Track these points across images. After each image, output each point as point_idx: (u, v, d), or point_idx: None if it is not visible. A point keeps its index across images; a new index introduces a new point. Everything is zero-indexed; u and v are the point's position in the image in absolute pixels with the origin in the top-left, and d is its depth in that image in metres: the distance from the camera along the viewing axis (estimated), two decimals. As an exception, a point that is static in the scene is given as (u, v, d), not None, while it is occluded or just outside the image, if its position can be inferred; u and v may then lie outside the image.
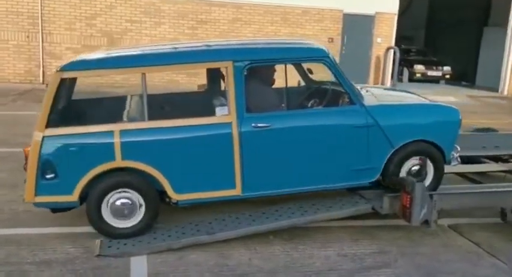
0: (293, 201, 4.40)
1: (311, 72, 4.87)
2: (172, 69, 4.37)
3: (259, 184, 4.07)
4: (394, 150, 4.26)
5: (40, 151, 3.71)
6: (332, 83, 4.34)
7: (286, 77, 4.75)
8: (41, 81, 11.99)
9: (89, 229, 4.02)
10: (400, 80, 16.51)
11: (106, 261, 3.66)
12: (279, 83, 4.68)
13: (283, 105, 4.42)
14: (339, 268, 3.71)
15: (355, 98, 4.20)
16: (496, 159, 5.76)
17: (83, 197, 3.88)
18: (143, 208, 3.94)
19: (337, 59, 13.98)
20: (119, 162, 3.79)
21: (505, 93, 15.65)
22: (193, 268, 3.64)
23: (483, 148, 5.79)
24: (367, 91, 4.75)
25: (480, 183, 5.08)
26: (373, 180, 4.32)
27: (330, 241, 4.14)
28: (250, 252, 3.90)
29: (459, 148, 4.66)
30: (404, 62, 17.41)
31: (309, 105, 4.58)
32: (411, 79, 17.65)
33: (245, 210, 4.30)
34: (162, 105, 4.57)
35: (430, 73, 17.94)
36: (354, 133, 4.16)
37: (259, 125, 3.96)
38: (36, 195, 3.78)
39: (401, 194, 4.04)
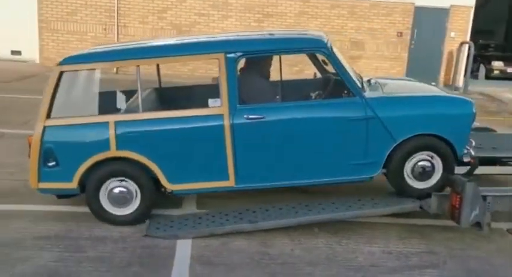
0: (336, 195, 4.37)
1: (326, 64, 4.70)
2: (164, 61, 4.36)
3: (253, 177, 4.07)
4: (396, 144, 4.08)
5: (42, 140, 3.95)
6: (334, 75, 4.25)
7: (280, 68, 4.68)
8: (115, 71, 12.60)
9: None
10: (476, 77, 15.66)
11: (155, 242, 3.87)
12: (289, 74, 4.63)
13: (277, 97, 4.37)
14: (382, 265, 3.67)
15: (354, 90, 4.08)
16: None
17: (84, 186, 4.08)
18: (139, 197, 4.08)
19: (405, 54, 13.73)
20: (113, 151, 3.95)
21: None
22: (235, 254, 3.75)
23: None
24: (376, 83, 4.58)
25: None
26: (374, 175, 4.17)
27: (375, 238, 4.09)
28: (293, 243, 3.94)
29: (474, 143, 4.35)
30: (481, 58, 16.46)
31: (308, 97, 4.49)
32: (488, 76, 16.64)
33: (290, 201, 4.34)
34: (164, 97, 4.70)
35: (509, 70, 16.77)
36: (351, 126, 4.03)
37: (251, 116, 3.95)
38: (39, 181, 4.04)
39: (451, 193, 3.90)
